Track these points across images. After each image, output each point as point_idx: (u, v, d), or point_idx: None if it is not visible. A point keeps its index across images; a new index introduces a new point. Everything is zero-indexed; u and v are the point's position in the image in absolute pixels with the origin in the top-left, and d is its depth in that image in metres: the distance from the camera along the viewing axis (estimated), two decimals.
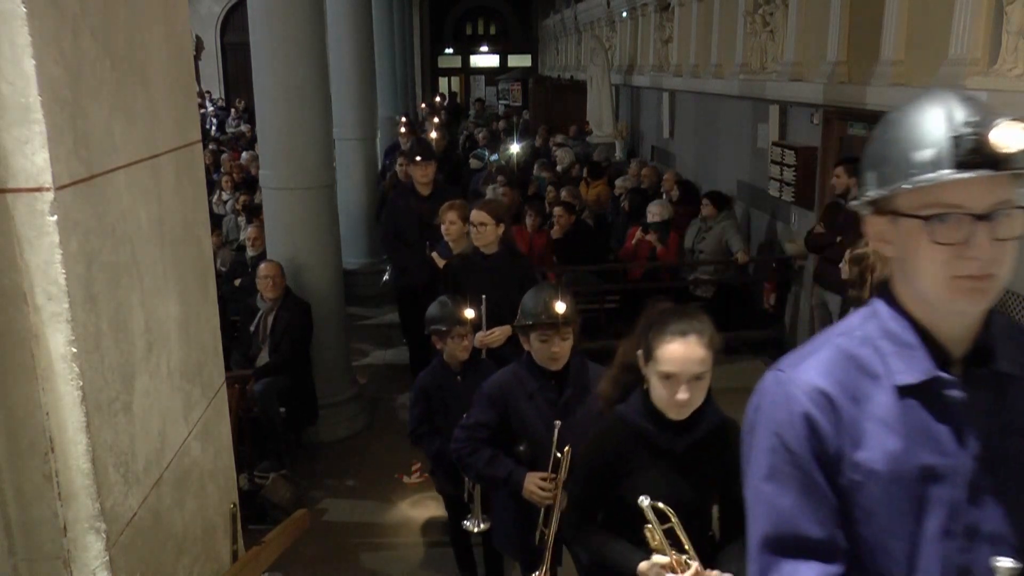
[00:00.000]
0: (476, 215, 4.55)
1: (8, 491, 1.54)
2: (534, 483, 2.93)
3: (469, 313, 3.78)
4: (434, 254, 5.41)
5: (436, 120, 11.42)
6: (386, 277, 7.20)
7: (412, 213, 6.04)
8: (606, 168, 10.63)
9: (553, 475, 2.90)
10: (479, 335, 4.11)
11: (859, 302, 3.65)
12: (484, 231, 4.50)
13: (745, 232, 8.30)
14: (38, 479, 1.54)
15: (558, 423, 2.89)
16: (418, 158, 6.06)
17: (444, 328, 3.77)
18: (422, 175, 6.06)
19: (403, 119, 11.25)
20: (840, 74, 6.38)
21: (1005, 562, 1.26)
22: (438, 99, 22.01)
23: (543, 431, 2.95)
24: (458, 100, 27.95)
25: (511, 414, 3.08)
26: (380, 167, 10.17)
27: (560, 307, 2.97)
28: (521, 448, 3.07)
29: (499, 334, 4.18)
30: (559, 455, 2.86)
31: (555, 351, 2.98)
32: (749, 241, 8.18)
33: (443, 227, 5.09)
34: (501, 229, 4.58)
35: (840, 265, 3.83)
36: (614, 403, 2.50)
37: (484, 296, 4.10)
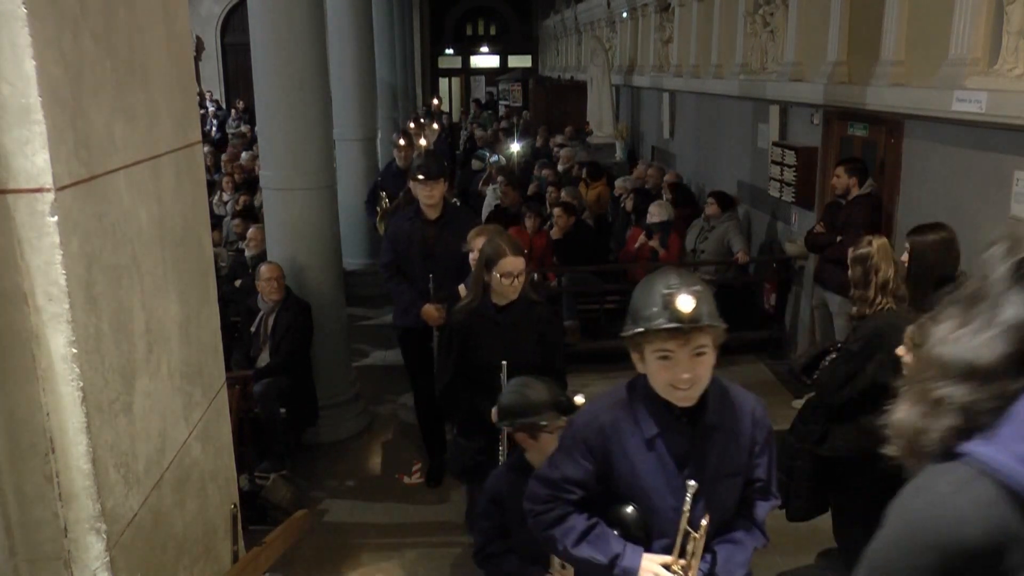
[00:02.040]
0: (516, 263, 3.58)
1: (9, 492, 1.54)
2: (653, 570, 2.10)
3: (579, 399, 2.78)
4: (461, 287, 4.42)
5: (423, 142, 9.15)
6: (394, 320, 5.50)
7: (415, 241, 5.01)
8: (605, 169, 10.63)
9: (682, 560, 2.10)
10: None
11: (864, 301, 3.65)
12: (518, 283, 3.62)
13: (746, 232, 8.30)
14: (39, 480, 1.54)
15: (692, 484, 2.05)
16: (420, 176, 4.96)
17: (541, 422, 2.76)
18: (427, 196, 5.01)
19: (400, 134, 9.58)
20: (840, 74, 6.38)
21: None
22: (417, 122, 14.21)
23: (666, 494, 2.11)
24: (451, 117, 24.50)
25: (616, 467, 2.15)
26: (373, 184, 8.64)
27: (688, 303, 1.98)
28: (629, 512, 2.15)
29: None
30: (692, 532, 2.08)
31: (684, 376, 2.01)
32: (750, 241, 8.18)
33: (472, 256, 4.16)
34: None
35: (849, 272, 3.82)
36: None
37: (504, 362, 3.47)
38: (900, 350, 3.11)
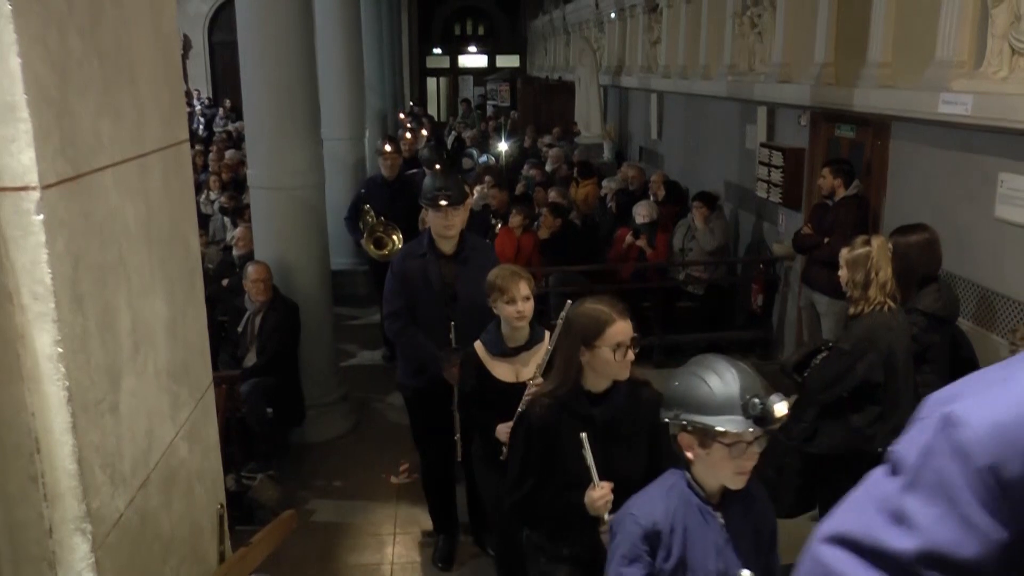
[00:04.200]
0: (626, 328, 2.79)
1: None
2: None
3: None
4: (478, 344, 3.61)
5: (388, 148, 7.56)
6: (401, 379, 4.48)
7: (432, 282, 4.09)
8: (596, 168, 10.65)
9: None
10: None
11: (864, 301, 3.66)
12: (632, 355, 3.04)
13: (733, 233, 8.32)
14: (23, 480, 1.53)
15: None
16: (442, 203, 3.98)
17: (730, 429, 2.21)
18: (446, 226, 4.04)
19: (385, 140, 8.46)
20: (827, 76, 6.41)
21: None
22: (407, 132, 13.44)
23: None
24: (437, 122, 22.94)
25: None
26: (355, 197, 7.56)
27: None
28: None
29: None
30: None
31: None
32: (737, 241, 8.21)
33: (508, 307, 3.44)
34: None
35: (839, 272, 3.83)
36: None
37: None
38: None
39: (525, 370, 3.48)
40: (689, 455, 2.27)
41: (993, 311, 4.59)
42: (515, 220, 7.45)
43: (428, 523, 4.75)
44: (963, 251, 4.74)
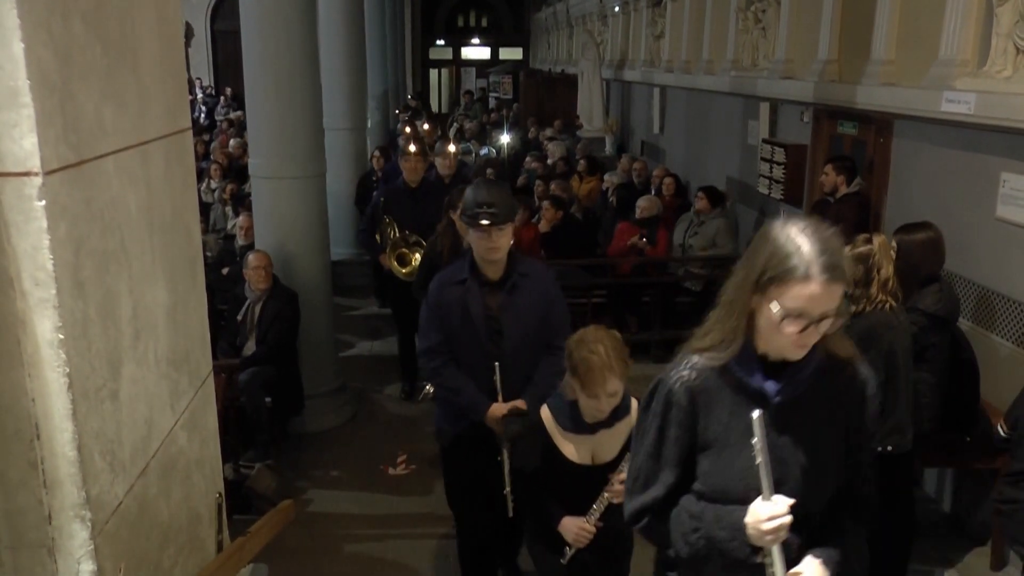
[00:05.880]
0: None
1: None
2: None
3: None
4: (545, 414, 2.95)
5: (413, 148, 6.35)
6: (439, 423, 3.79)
7: (474, 314, 3.39)
8: (601, 163, 10.64)
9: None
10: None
11: (866, 299, 3.65)
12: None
13: (734, 229, 8.31)
14: (23, 466, 1.53)
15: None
16: (485, 222, 3.27)
17: None
18: (491, 249, 3.34)
19: (410, 138, 7.49)
20: (831, 72, 6.40)
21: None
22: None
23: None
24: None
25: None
26: (371, 208, 6.53)
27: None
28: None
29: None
30: None
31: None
32: (738, 238, 8.20)
33: (588, 400, 2.77)
34: None
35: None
36: None
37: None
38: None
39: (604, 451, 2.87)
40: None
41: (993, 311, 4.58)
42: (518, 214, 7.43)
43: (426, 515, 4.75)
44: (964, 250, 4.73)
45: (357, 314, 8.47)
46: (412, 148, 6.38)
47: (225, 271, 6.79)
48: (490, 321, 3.38)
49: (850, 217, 5.61)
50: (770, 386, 1.90)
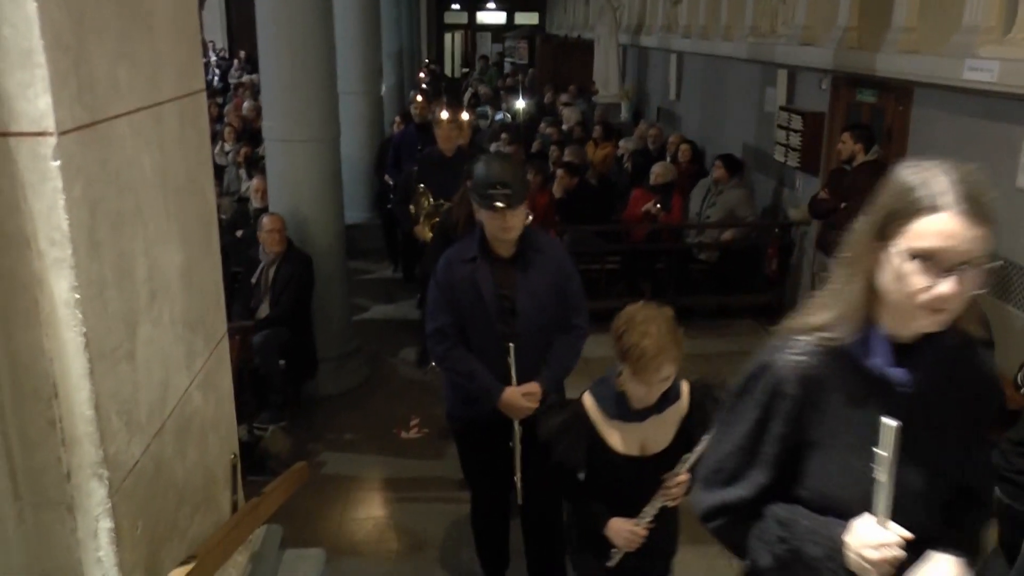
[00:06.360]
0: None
1: (13, 436, 1.55)
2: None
3: None
4: (587, 400, 2.77)
5: (446, 115, 6.22)
6: (450, 410, 3.74)
7: (485, 293, 3.24)
8: (616, 130, 10.58)
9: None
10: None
11: None
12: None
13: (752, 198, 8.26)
14: (42, 425, 1.55)
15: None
16: (500, 204, 3.11)
17: None
18: (504, 228, 3.18)
19: (445, 106, 7.15)
20: (850, 39, 6.30)
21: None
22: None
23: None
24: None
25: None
26: (405, 176, 6.57)
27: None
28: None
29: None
30: None
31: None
32: (753, 206, 8.15)
33: (638, 387, 2.55)
34: None
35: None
36: None
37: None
38: None
39: (653, 441, 2.65)
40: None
41: (1009, 282, 4.55)
42: (530, 178, 7.40)
43: (438, 479, 4.80)
44: None
45: (371, 278, 8.49)
46: (444, 115, 6.18)
47: (239, 234, 6.80)
48: (503, 300, 3.21)
49: (867, 185, 5.51)
50: (898, 373, 1.55)
